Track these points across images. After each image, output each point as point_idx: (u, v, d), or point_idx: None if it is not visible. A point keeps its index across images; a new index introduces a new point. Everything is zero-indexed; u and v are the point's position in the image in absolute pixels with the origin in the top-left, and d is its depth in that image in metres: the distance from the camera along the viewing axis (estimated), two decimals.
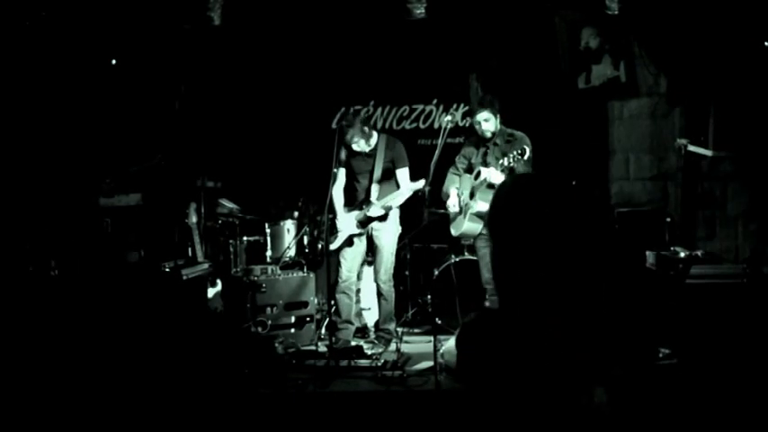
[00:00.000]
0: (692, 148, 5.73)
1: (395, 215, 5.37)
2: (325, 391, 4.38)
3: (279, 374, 4.57)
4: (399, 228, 5.40)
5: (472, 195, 5.00)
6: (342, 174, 5.38)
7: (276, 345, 5.15)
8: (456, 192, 5.17)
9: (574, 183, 6.03)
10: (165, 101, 6.40)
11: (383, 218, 5.28)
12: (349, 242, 5.35)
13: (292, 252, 5.87)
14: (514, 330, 1.92)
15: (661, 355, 4.39)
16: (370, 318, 5.79)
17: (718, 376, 3.91)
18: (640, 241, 5.69)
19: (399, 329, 5.53)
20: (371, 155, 5.28)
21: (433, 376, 4.39)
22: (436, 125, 6.74)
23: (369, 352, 5.13)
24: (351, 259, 5.38)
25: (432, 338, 4.65)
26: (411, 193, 5.17)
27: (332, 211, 5.28)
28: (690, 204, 6.07)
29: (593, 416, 1.76)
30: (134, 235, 6.18)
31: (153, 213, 6.21)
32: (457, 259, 5.65)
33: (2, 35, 5.90)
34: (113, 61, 6.44)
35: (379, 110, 6.92)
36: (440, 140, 5.02)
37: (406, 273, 5.77)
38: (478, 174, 4.96)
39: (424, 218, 5.17)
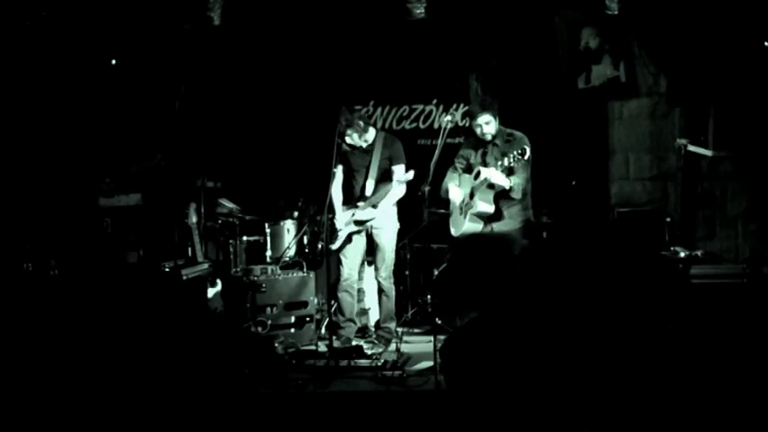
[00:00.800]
0: (692, 148, 5.73)
1: (393, 212, 5.36)
2: (325, 391, 4.38)
3: (279, 374, 4.57)
4: (398, 224, 5.40)
5: (472, 195, 5.00)
6: (340, 171, 5.38)
7: (276, 345, 5.15)
8: (455, 186, 5.16)
9: (573, 183, 6.07)
10: (165, 101, 6.40)
11: (382, 216, 5.27)
12: (349, 240, 5.35)
13: (292, 252, 5.87)
14: (500, 335, 1.94)
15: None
16: (371, 317, 5.79)
17: (718, 376, 3.91)
18: (640, 241, 5.70)
19: (399, 329, 5.53)
20: (369, 151, 5.28)
21: (433, 376, 4.38)
22: (436, 125, 6.73)
23: (369, 352, 5.13)
24: (351, 257, 5.38)
25: (432, 338, 4.65)
26: (402, 186, 5.18)
27: (331, 210, 5.28)
28: (690, 204, 6.07)
29: None
30: (134, 235, 6.18)
31: (153, 213, 6.21)
32: None
33: (2, 35, 5.90)
34: (113, 61, 6.44)
35: (379, 110, 6.92)
36: (440, 140, 5.02)
37: (406, 273, 5.76)
38: (478, 174, 4.96)
39: (424, 218, 5.16)
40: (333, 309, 5.47)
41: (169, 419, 3.85)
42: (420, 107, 6.88)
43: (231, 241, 6.06)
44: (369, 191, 5.26)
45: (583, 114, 6.42)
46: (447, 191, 5.19)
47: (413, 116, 6.89)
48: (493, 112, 4.98)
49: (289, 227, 5.98)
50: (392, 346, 5.23)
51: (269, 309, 5.53)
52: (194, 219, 5.80)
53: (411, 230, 5.65)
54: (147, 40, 6.43)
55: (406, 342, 5.41)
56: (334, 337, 5.11)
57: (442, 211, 5.48)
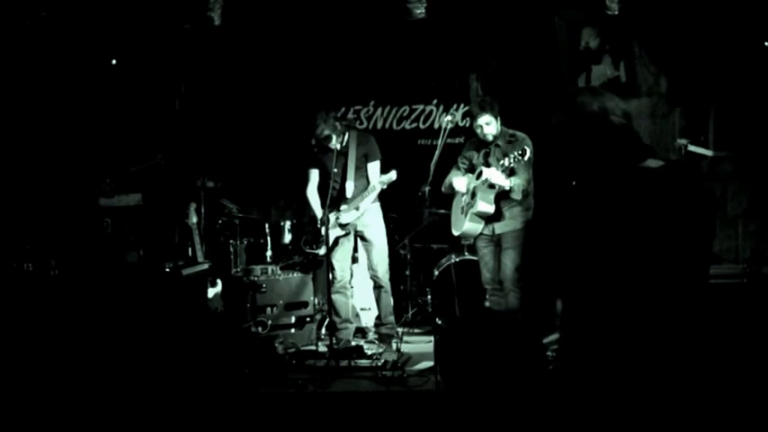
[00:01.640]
0: (692, 148, 5.72)
1: (376, 208, 5.32)
2: (325, 391, 4.38)
3: (279, 374, 4.57)
4: (383, 222, 5.36)
5: (473, 195, 4.99)
6: (316, 174, 5.36)
7: (276, 345, 5.14)
8: (460, 177, 5.12)
9: (574, 183, 6.06)
10: (165, 101, 6.40)
11: (367, 215, 5.25)
12: (336, 243, 5.32)
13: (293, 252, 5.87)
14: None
15: None
16: (369, 318, 5.79)
17: (718, 376, 3.91)
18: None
19: (399, 329, 5.53)
20: (344, 153, 5.24)
21: (433, 376, 4.38)
22: (436, 125, 6.72)
23: (369, 352, 5.13)
24: (342, 259, 5.37)
25: (432, 338, 4.65)
26: (383, 186, 5.13)
27: (312, 214, 5.26)
28: None
29: None
30: (134, 235, 6.18)
31: (153, 213, 6.21)
32: (457, 259, 5.64)
33: (2, 35, 5.90)
34: (113, 61, 6.44)
35: (379, 110, 6.91)
36: (440, 140, 5.01)
37: (407, 273, 5.76)
38: (480, 174, 4.96)
39: (423, 218, 5.16)
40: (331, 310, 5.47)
41: (170, 419, 3.85)
42: (420, 107, 6.88)
43: (231, 241, 6.06)
44: (349, 192, 5.23)
45: None
46: (450, 185, 5.12)
47: (413, 116, 6.88)
48: (493, 112, 4.96)
49: (289, 227, 5.98)
50: (392, 346, 5.22)
51: (269, 309, 5.53)
52: (194, 219, 5.80)
53: (411, 230, 5.64)
54: (147, 40, 6.43)
55: (406, 342, 5.41)
56: (333, 340, 5.10)
57: (442, 211, 5.47)
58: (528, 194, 4.98)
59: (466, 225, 4.99)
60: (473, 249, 5.36)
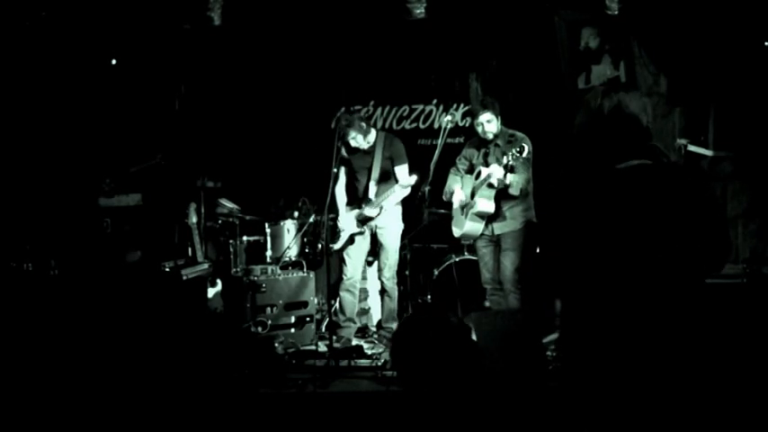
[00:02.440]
0: (692, 148, 5.72)
1: (397, 212, 5.38)
2: (325, 391, 4.37)
3: (279, 374, 4.57)
4: (402, 225, 5.42)
5: (473, 195, 4.99)
6: (342, 173, 5.39)
7: (276, 345, 5.14)
8: (460, 188, 5.14)
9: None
10: (165, 101, 6.40)
11: (386, 216, 5.28)
12: (351, 241, 5.36)
13: (293, 252, 5.87)
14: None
15: None
16: (372, 318, 5.79)
17: (718, 376, 3.91)
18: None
19: None
20: (370, 152, 5.29)
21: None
22: (436, 125, 6.73)
23: (369, 352, 5.13)
24: (355, 257, 5.40)
25: None
26: (406, 189, 5.17)
27: (333, 210, 5.29)
28: None
29: None
30: (134, 235, 6.18)
31: (153, 213, 6.21)
32: (457, 259, 5.64)
33: (2, 35, 5.90)
34: (113, 61, 6.44)
35: (379, 110, 6.92)
36: (440, 140, 5.01)
37: (407, 273, 5.76)
38: (479, 173, 4.96)
39: (424, 218, 5.16)
40: (333, 309, 5.48)
41: (170, 419, 3.85)
42: (420, 107, 6.89)
43: (231, 241, 6.06)
44: (372, 193, 5.27)
45: None
46: (452, 194, 5.17)
47: (413, 116, 6.89)
48: (495, 111, 4.95)
49: (289, 227, 5.98)
50: None
51: (269, 309, 5.53)
52: (194, 219, 5.80)
53: (411, 230, 5.65)
54: (147, 40, 6.44)
55: None
56: (333, 338, 5.10)
57: (443, 211, 5.48)
58: (528, 194, 4.98)
59: (467, 225, 4.98)
60: (473, 249, 5.36)
